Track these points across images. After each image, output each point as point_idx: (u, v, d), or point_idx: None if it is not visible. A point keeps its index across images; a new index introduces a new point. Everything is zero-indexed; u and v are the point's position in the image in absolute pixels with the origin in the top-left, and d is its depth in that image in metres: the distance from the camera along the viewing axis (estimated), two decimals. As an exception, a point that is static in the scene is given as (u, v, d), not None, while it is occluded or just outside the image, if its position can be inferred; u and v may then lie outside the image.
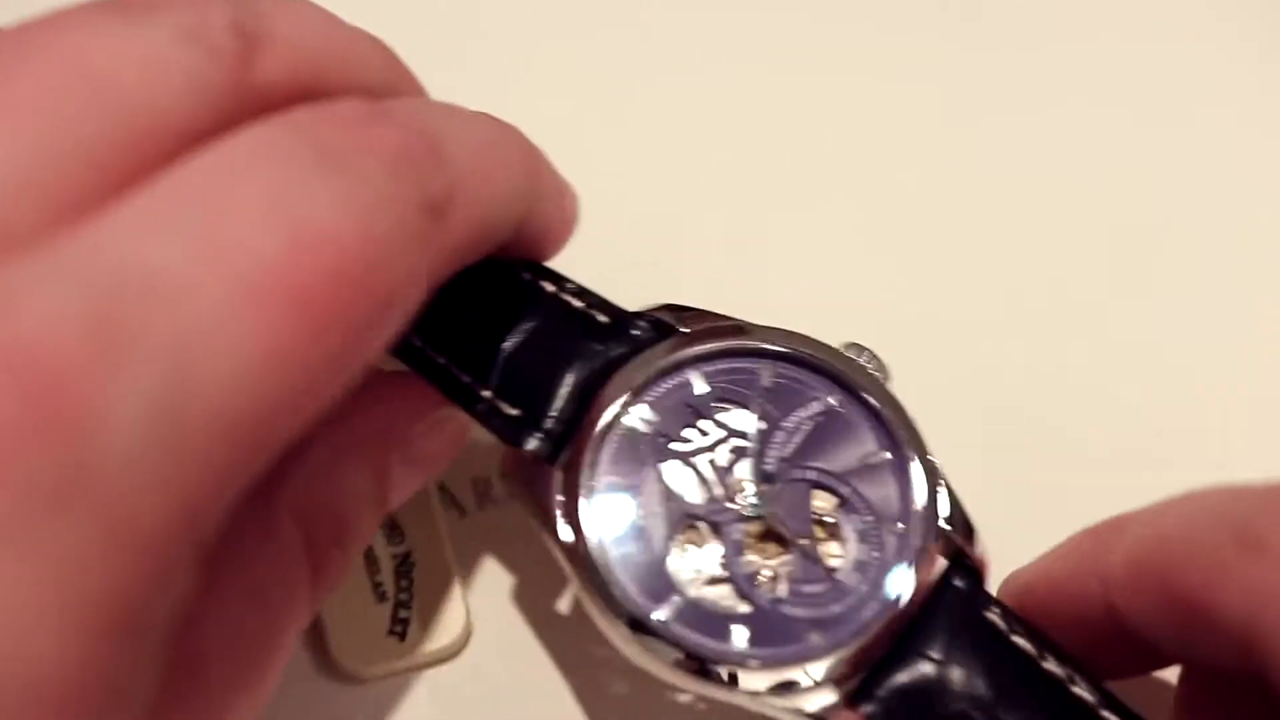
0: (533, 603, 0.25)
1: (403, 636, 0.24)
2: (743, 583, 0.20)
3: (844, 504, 0.21)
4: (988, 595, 0.21)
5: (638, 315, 0.22)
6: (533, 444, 0.21)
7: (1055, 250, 0.30)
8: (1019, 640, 0.20)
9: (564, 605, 0.25)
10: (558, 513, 0.20)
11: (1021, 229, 0.31)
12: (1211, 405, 0.28)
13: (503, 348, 0.22)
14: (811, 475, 0.21)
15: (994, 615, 0.21)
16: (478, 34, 0.32)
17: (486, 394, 0.21)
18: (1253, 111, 0.32)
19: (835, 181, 0.31)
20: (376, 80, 0.20)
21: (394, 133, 0.17)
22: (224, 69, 0.17)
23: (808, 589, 0.20)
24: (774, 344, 0.22)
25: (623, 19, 0.33)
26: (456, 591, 0.25)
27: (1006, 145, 0.31)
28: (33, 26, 0.16)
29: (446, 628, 0.25)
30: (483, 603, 0.25)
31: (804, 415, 0.22)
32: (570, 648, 0.25)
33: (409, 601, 0.25)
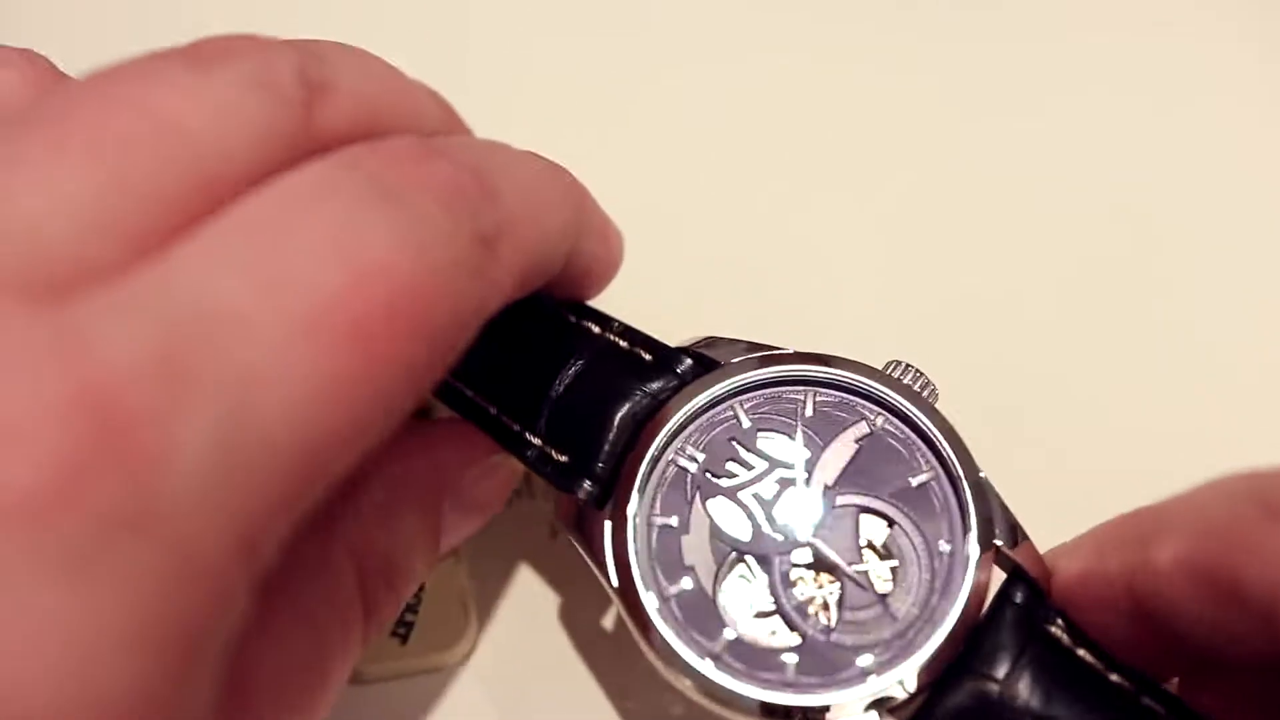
0: (541, 614, 0.26)
1: (404, 639, 0.25)
2: (792, 614, 0.20)
3: (892, 526, 0.21)
4: (1049, 608, 0.20)
5: (682, 351, 0.23)
6: (583, 490, 0.21)
7: (1056, 251, 0.30)
8: (1084, 654, 0.20)
9: (584, 611, 0.26)
10: (608, 557, 0.21)
11: (1021, 230, 0.30)
12: (1217, 406, 0.27)
13: (550, 393, 0.22)
14: (858, 500, 0.21)
15: (1057, 629, 0.20)
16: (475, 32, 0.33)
17: (536, 441, 0.22)
18: (1257, 111, 0.31)
19: (831, 183, 0.31)
20: (432, 128, 0.21)
21: (447, 169, 0.18)
22: (290, 117, 0.18)
23: (858, 615, 0.20)
24: (815, 371, 0.22)
25: (631, 26, 0.33)
26: (465, 600, 0.25)
27: (1007, 147, 0.31)
28: (109, 75, 0.17)
29: (450, 635, 0.25)
30: (489, 610, 0.25)
31: (848, 440, 0.22)
32: (575, 660, 0.25)
33: (415, 605, 0.25)
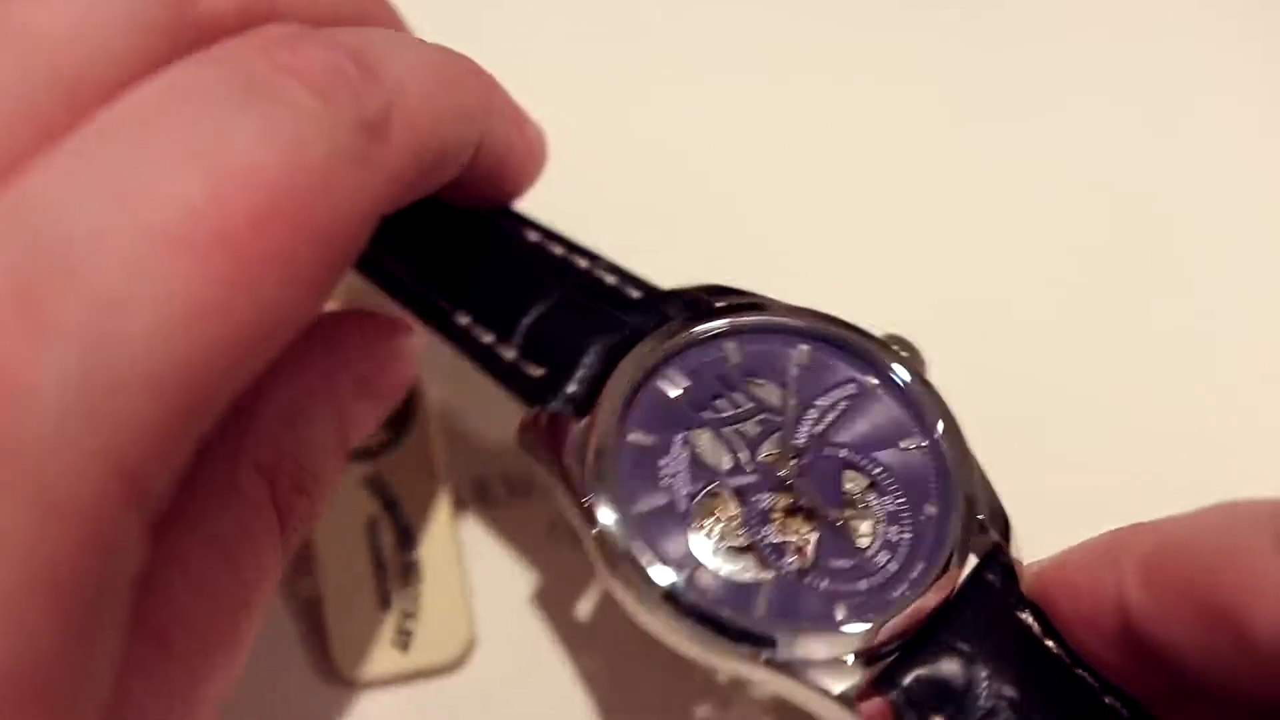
0: (540, 614, 0.25)
1: (405, 647, 0.23)
2: (766, 553, 0.19)
3: (875, 485, 0.20)
4: (1021, 595, 0.20)
5: (672, 293, 0.22)
6: (556, 404, 0.20)
7: (1052, 259, 0.30)
8: (1051, 644, 0.19)
9: (583, 609, 0.25)
10: (573, 467, 0.20)
11: (1017, 236, 0.30)
12: (1218, 415, 0.27)
13: (529, 311, 0.21)
14: (843, 454, 0.20)
15: (1027, 616, 0.20)
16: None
17: (509, 356, 0.21)
18: (1262, 115, 0.32)
19: (832, 191, 0.31)
20: (335, 9, 0.19)
21: (322, 53, 0.17)
22: (164, 5, 0.16)
23: (834, 564, 0.19)
24: (811, 324, 0.21)
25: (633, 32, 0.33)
26: (463, 602, 0.24)
27: (1013, 149, 0.31)
28: None
29: (449, 639, 0.24)
30: (489, 612, 0.24)
31: (839, 395, 0.21)
32: (578, 659, 0.24)
33: (414, 611, 0.24)
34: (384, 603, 0.24)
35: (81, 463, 0.14)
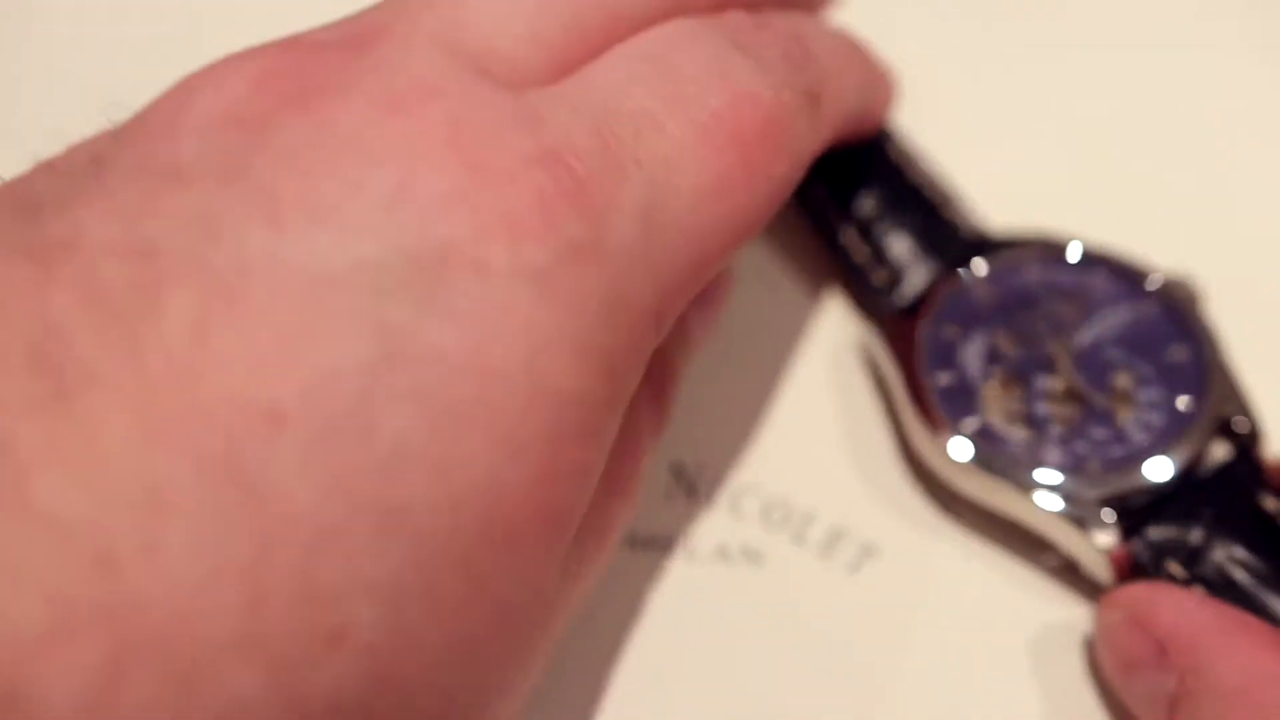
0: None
1: None
2: (1037, 422, 0.24)
3: (1140, 382, 0.25)
4: (1264, 484, 0.23)
5: (1002, 240, 0.27)
6: (892, 306, 0.26)
7: None
8: None
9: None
10: (900, 360, 0.25)
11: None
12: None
13: (884, 223, 0.27)
14: (1118, 356, 0.25)
15: (1268, 500, 0.23)
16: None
17: (862, 258, 0.27)
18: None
19: None
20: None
21: (778, 36, 0.21)
22: None
23: (1094, 434, 0.24)
24: (1107, 261, 0.26)
25: None
26: None
27: (1016, 154, 0.31)
28: None
29: None
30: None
31: (1123, 315, 0.25)
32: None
33: None
34: None
35: (640, 280, 0.17)
